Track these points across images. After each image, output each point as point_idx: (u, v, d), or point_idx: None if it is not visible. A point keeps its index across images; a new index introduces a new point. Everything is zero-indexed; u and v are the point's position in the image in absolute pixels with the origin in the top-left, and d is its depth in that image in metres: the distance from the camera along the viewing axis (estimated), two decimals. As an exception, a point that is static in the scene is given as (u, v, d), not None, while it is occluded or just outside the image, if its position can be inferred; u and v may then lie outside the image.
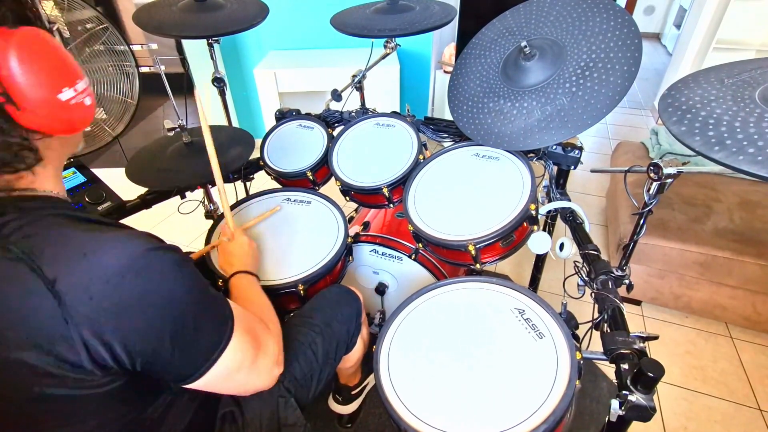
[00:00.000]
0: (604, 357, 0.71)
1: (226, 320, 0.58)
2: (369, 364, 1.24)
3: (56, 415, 0.49)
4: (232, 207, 1.17)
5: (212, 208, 1.45)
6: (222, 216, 1.16)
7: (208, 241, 1.09)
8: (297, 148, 1.33)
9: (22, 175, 0.51)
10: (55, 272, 0.44)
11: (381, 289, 1.34)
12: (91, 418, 0.51)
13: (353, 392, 1.28)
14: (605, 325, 0.78)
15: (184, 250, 0.57)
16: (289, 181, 1.31)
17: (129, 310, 0.47)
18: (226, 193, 1.01)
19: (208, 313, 0.56)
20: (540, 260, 1.46)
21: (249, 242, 0.95)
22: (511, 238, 0.94)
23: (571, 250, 1.01)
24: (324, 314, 0.96)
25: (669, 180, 0.79)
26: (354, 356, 1.09)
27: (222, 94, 1.51)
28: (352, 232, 1.18)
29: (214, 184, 1.15)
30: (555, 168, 1.12)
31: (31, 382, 0.45)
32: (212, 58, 1.41)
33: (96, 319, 0.45)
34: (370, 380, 1.34)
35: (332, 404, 1.29)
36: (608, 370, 1.48)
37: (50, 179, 0.54)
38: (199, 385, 0.56)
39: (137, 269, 0.47)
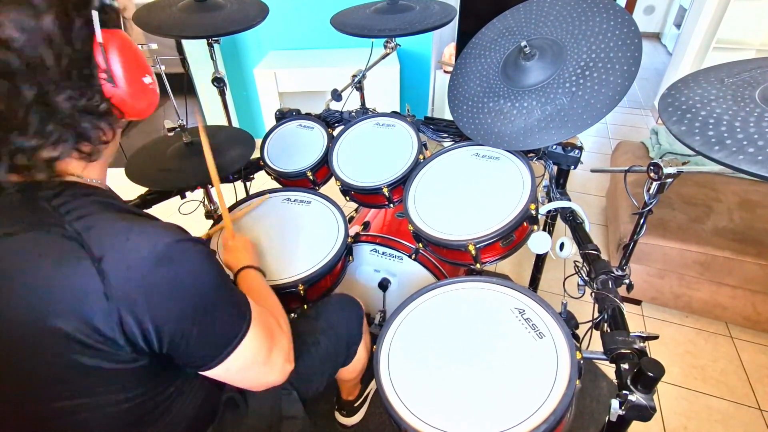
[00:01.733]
0: (604, 357, 0.71)
1: (245, 313, 0.62)
2: (369, 370, 1.24)
3: (87, 383, 0.53)
4: (231, 208, 1.17)
5: (212, 208, 1.45)
6: (221, 217, 1.16)
7: (208, 243, 1.09)
8: (297, 148, 1.33)
9: (77, 162, 0.57)
10: (102, 252, 0.49)
11: (384, 284, 1.34)
12: (116, 391, 0.55)
13: (356, 404, 1.30)
14: (605, 324, 0.78)
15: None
16: (289, 181, 1.31)
17: (160, 294, 0.51)
18: (222, 196, 1.03)
19: (230, 305, 0.60)
20: (540, 260, 1.46)
21: (250, 240, 0.98)
22: (511, 238, 0.94)
23: (571, 249, 1.01)
24: (328, 317, 0.99)
25: (669, 180, 0.79)
26: (357, 366, 1.10)
27: (222, 94, 1.51)
28: (352, 231, 1.18)
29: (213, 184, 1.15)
30: (555, 168, 1.12)
31: (69, 349, 0.49)
32: (212, 58, 1.41)
33: (132, 298, 0.49)
34: (372, 386, 1.35)
35: (339, 417, 1.31)
36: (608, 369, 1.48)
37: (97, 171, 0.60)
38: (217, 373, 0.59)
39: (170, 257, 0.52)
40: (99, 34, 0.53)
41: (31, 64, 0.48)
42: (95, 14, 0.53)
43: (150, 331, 0.51)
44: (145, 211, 0.74)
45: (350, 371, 1.09)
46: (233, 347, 0.59)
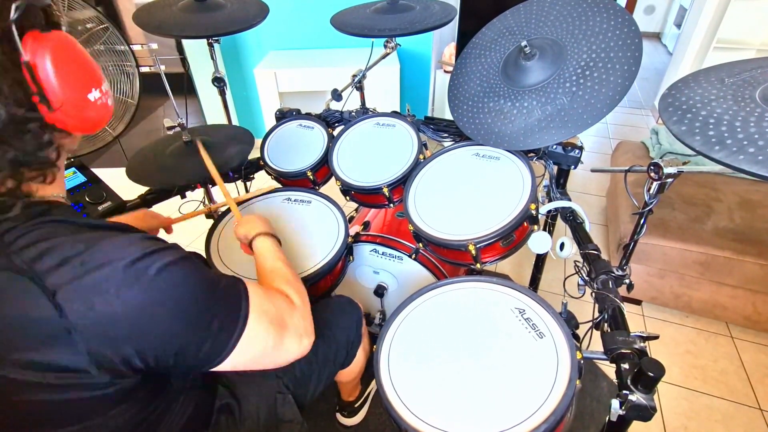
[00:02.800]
0: (605, 356, 0.71)
1: (240, 305, 0.58)
2: (369, 370, 1.24)
3: (61, 415, 0.50)
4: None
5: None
6: (222, 215, 1.16)
7: (209, 241, 1.09)
8: (297, 147, 1.33)
9: (39, 181, 0.52)
10: (55, 283, 0.44)
11: (380, 292, 1.34)
12: (95, 416, 0.52)
13: (356, 405, 1.30)
14: (605, 324, 0.78)
15: (186, 250, 0.57)
16: (290, 181, 1.31)
17: (132, 318, 0.47)
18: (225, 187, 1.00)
19: (218, 303, 0.55)
20: (540, 260, 1.46)
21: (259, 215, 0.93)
22: (511, 238, 0.94)
23: (572, 249, 1.01)
24: (325, 319, 0.98)
25: (669, 180, 0.79)
26: (355, 368, 1.09)
27: (222, 94, 1.51)
28: (352, 231, 1.18)
29: (214, 183, 1.16)
30: (555, 167, 1.12)
31: (36, 392, 0.46)
32: (212, 58, 1.41)
33: (101, 329, 0.46)
34: (372, 386, 1.35)
35: (340, 418, 1.31)
36: (608, 369, 1.48)
37: (58, 183, 0.55)
38: (226, 367, 0.56)
39: (134, 278, 0.47)
40: (21, 50, 0.45)
41: None
42: (14, 27, 0.44)
43: (131, 355, 0.48)
44: (113, 220, 0.69)
45: (348, 373, 1.09)
46: (233, 344, 0.55)
